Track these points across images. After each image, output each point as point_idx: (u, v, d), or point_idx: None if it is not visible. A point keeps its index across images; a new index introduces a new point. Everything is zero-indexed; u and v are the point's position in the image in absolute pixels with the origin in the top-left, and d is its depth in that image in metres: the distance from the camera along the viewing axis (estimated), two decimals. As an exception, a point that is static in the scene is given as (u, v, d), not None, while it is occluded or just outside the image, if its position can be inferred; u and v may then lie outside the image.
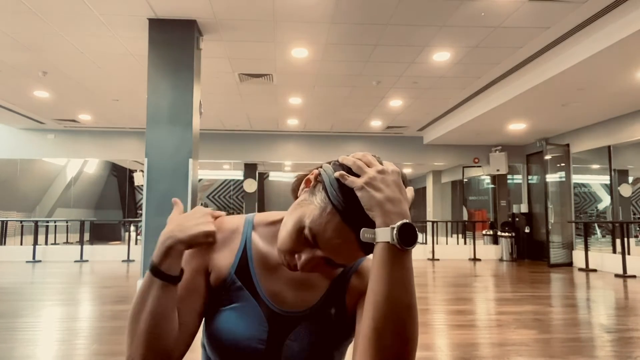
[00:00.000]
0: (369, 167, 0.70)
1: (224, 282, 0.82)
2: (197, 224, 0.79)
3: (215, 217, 0.85)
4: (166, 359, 0.75)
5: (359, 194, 0.68)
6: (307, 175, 0.78)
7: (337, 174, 0.70)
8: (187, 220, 0.80)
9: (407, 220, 0.66)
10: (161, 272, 0.75)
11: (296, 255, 0.74)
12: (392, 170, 0.70)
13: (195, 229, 0.78)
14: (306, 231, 0.72)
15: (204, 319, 0.83)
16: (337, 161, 0.75)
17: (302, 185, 0.78)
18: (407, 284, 0.67)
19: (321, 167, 0.77)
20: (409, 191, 0.72)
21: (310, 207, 0.72)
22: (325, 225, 0.70)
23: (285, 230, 0.75)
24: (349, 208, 0.69)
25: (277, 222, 0.85)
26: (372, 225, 0.67)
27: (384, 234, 0.66)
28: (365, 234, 0.67)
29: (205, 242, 0.79)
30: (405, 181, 0.73)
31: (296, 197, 0.80)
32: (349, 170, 0.71)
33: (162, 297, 0.75)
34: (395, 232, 0.65)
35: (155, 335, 0.75)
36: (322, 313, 0.81)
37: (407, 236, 0.65)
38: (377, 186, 0.67)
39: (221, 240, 0.85)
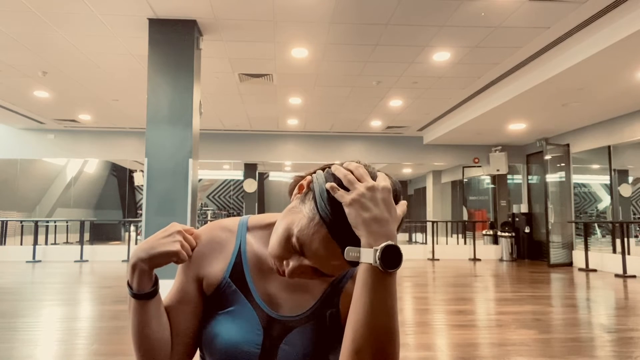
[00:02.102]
0: (360, 181, 0.68)
1: (218, 286, 0.82)
2: (161, 243, 0.78)
3: (190, 234, 0.84)
4: None
5: (346, 210, 0.66)
6: (303, 177, 0.78)
7: (327, 185, 0.69)
8: (154, 239, 0.79)
9: (392, 242, 0.64)
10: (132, 290, 0.78)
11: (284, 262, 0.74)
12: (383, 187, 0.68)
13: (158, 249, 0.77)
14: (293, 240, 0.71)
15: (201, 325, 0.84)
16: (330, 169, 0.73)
17: (295, 191, 0.77)
18: (388, 308, 0.66)
19: (315, 172, 0.76)
20: (401, 206, 0.71)
21: (299, 216, 0.72)
22: (312, 236, 0.69)
23: (275, 236, 0.75)
24: (336, 221, 0.67)
25: (272, 225, 0.84)
26: (359, 240, 0.66)
27: (367, 255, 0.65)
28: (349, 252, 0.66)
29: (167, 262, 0.79)
30: (398, 196, 0.72)
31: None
32: (339, 183, 0.69)
33: (141, 313, 0.78)
34: (378, 254, 0.64)
35: (145, 348, 0.79)
36: (317, 318, 0.81)
37: (390, 259, 0.64)
38: (365, 204, 0.66)
39: (214, 245, 0.85)
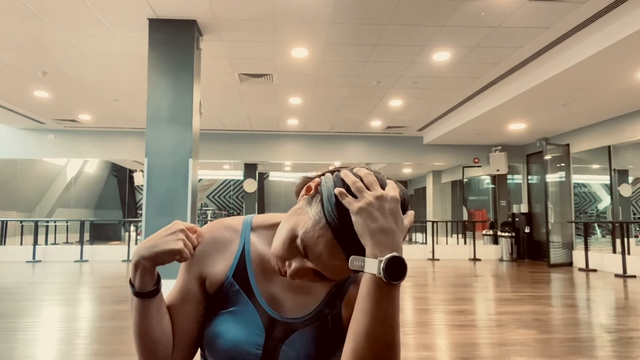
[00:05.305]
0: (369, 190, 0.68)
1: (221, 286, 0.82)
2: (164, 241, 0.77)
3: (193, 232, 0.83)
4: None
5: (353, 217, 0.66)
6: (312, 178, 0.77)
7: (336, 190, 0.68)
8: (157, 237, 0.78)
9: (397, 254, 0.64)
10: (134, 288, 0.78)
11: (287, 263, 0.73)
12: (391, 197, 0.67)
13: (160, 247, 0.77)
14: (298, 241, 0.71)
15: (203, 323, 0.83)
16: (340, 173, 0.72)
17: (303, 191, 0.77)
18: (390, 320, 0.65)
19: (324, 174, 0.75)
20: (408, 217, 0.70)
21: (304, 217, 0.72)
22: (317, 239, 0.69)
23: (279, 237, 0.75)
24: (342, 227, 0.67)
25: (277, 225, 0.84)
26: (363, 248, 0.66)
27: (371, 266, 0.64)
28: (354, 261, 0.65)
29: (170, 260, 0.78)
30: (406, 206, 0.71)
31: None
32: (348, 189, 0.69)
33: (143, 311, 0.78)
34: (382, 265, 0.63)
35: (146, 346, 0.79)
36: (319, 320, 0.80)
37: (395, 270, 0.63)
38: (372, 214, 0.65)
39: (217, 244, 0.84)
